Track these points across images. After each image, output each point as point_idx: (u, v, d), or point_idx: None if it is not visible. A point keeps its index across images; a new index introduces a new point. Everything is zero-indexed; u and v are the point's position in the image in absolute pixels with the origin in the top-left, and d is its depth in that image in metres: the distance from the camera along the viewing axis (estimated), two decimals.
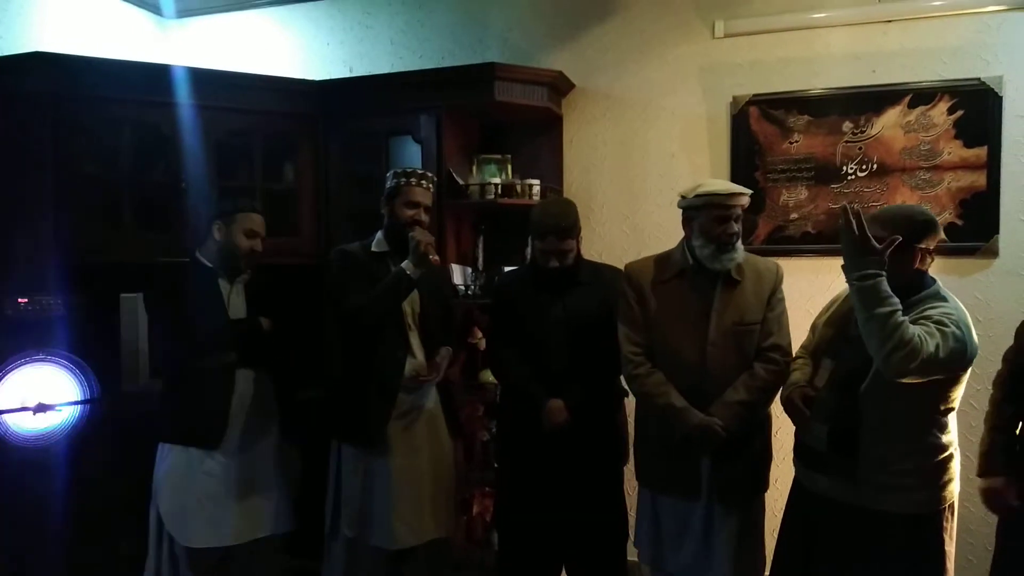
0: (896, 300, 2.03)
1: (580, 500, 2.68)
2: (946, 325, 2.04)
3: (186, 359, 2.70)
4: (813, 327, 2.50)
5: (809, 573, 2.33)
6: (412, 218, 2.76)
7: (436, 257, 2.70)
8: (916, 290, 2.18)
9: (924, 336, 2.00)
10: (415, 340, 2.82)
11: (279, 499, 2.83)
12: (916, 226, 2.15)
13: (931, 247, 2.18)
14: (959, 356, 2.04)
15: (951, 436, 2.21)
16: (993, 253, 3.12)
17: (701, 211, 2.47)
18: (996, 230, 3.11)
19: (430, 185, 2.84)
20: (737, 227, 2.46)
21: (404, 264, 2.66)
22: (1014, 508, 2.34)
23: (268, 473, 2.81)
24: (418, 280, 2.73)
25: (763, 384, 2.44)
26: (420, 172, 2.83)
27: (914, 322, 2.05)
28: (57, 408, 2.80)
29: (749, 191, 2.51)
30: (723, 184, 2.55)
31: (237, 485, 2.72)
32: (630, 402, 2.70)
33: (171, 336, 2.74)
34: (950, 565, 2.23)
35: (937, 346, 2.00)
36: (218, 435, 2.68)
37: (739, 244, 2.49)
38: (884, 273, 2.05)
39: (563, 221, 2.66)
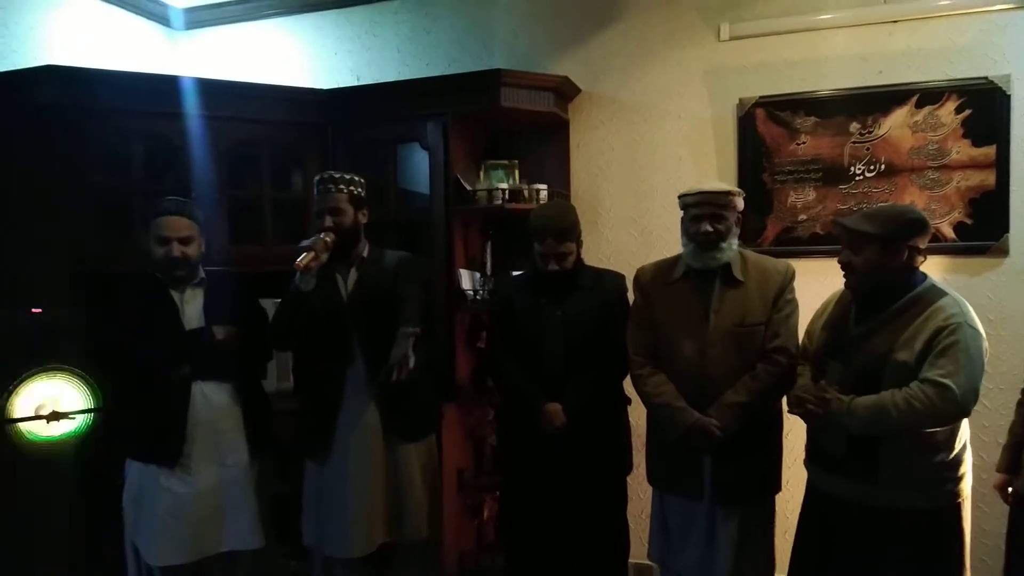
0: (882, 394, 2.13)
1: (581, 507, 2.68)
2: (957, 355, 2.08)
3: (138, 374, 2.60)
4: (808, 333, 2.50)
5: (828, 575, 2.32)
6: (321, 226, 2.66)
7: (301, 263, 2.48)
8: (908, 288, 2.21)
9: (928, 393, 2.07)
10: (356, 346, 2.71)
11: (245, 515, 2.70)
12: (905, 224, 2.19)
13: (921, 246, 2.21)
14: (980, 369, 2.12)
15: (964, 427, 2.22)
16: (1003, 252, 3.10)
17: (684, 212, 2.55)
18: (1006, 229, 3.09)
19: (334, 187, 2.68)
20: (710, 227, 2.45)
21: (296, 276, 2.54)
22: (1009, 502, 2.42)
23: (234, 488, 2.68)
24: (357, 284, 2.71)
25: (764, 386, 2.43)
26: (324, 176, 2.71)
27: (928, 343, 2.11)
28: (71, 416, 2.82)
29: (728, 190, 2.52)
30: (697, 184, 2.58)
31: (199, 501, 2.61)
32: (640, 406, 2.69)
33: (122, 351, 2.60)
34: (967, 557, 2.25)
35: (949, 391, 2.06)
36: (176, 451, 2.59)
37: (727, 244, 2.49)
38: (843, 400, 2.17)
39: (561, 223, 2.66)
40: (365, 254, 2.80)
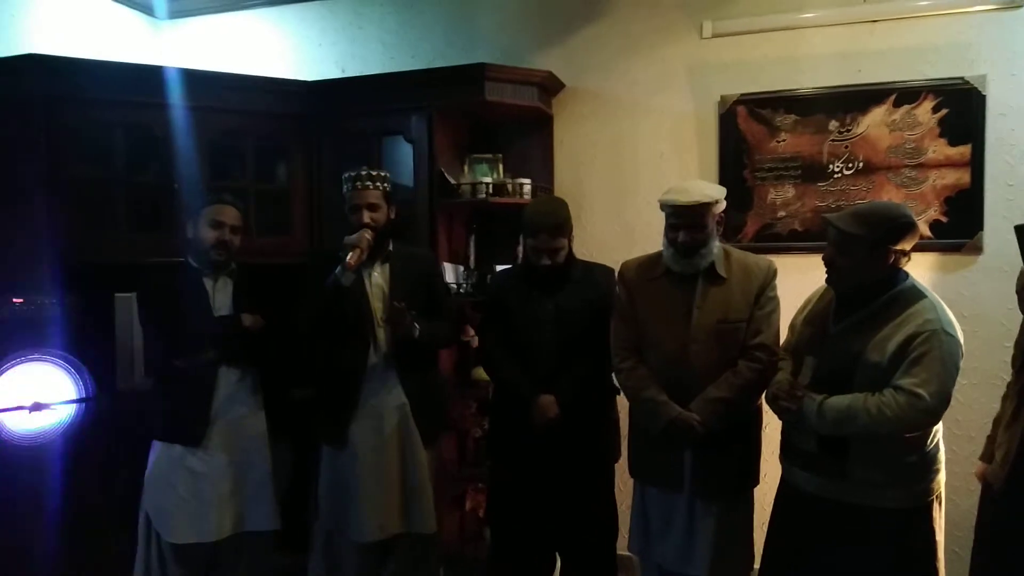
0: (855, 395, 2.15)
1: (572, 495, 2.72)
2: (931, 363, 2.09)
3: (169, 357, 2.72)
4: (792, 326, 2.52)
5: (800, 571, 2.34)
6: (359, 222, 2.72)
7: (351, 260, 2.57)
8: (889, 288, 2.21)
9: (899, 401, 2.09)
10: (384, 337, 2.78)
11: (263, 497, 2.81)
12: (894, 228, 2.17)
13: (907, 248, 2.20)
14: (953, 376, 2.12)
15: (937, 427, 2.24)
16: (977, 249, 3.16)
17: (666, 216, 2.54)
18: (980, 227, 3.15)
19: (371, 183, 2.76)
20: (688, 236, 2.44)
21: (337, 270, 2.58)
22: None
23: (253, 471, 2.79)
24: (392, 278, 2.79)
25: (745, 382, 2.46)
26: (362, 173, 2.77)
27: (902, 347, 2.11)
28: (52, 407, 2.82)
29: (702, 202, 2.43)
30: (674, 194, 2.49)
31: (220, 482, 2.71)
32: (623, 397, 2.73)
33: (155, 335, 2.79)
34: (940, 554, 2.27)
35: (921, 400, 2.08)
36: (200, 432, 2.69)
37: (707, 250, 2.48)
38: (815, 399, 2.20)
39: (555, 218, 2.69)
40: (391, 248, 2.87)
